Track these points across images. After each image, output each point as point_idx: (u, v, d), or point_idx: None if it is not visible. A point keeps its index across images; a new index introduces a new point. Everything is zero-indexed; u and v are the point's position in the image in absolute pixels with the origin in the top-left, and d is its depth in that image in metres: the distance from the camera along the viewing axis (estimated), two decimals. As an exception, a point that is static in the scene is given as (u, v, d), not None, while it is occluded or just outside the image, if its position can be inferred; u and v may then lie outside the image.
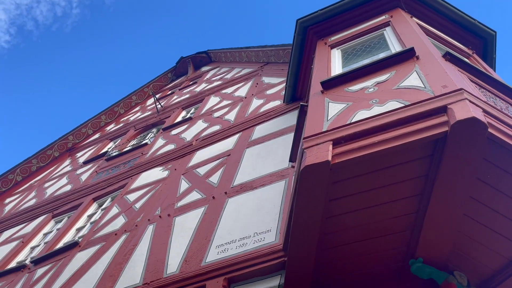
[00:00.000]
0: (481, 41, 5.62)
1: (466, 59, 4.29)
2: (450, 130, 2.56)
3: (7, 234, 7.73)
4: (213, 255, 3.93)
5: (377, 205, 2.97)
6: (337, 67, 4.65)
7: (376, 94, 3.33)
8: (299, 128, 4.28)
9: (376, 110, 3.08)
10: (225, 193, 4.92)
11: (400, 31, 4.52)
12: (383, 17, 5.24)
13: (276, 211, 4.07)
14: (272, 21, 34.50)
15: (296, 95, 6.48)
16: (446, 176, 2.70)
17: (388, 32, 4.86)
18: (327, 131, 3.09)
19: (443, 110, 2.72)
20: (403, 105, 2.96)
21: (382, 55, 4.49)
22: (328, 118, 3.29)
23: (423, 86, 3.11)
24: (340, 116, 3.24)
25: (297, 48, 6.08)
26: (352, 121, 3.06)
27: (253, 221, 4.12)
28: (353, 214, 3.03)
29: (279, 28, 34.07)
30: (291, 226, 3.10)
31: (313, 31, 5.79)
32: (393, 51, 4.22)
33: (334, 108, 3.42)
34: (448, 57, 3.64)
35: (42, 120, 33.06)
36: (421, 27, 4.88)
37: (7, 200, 9.66)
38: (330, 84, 3.87)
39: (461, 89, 2.80)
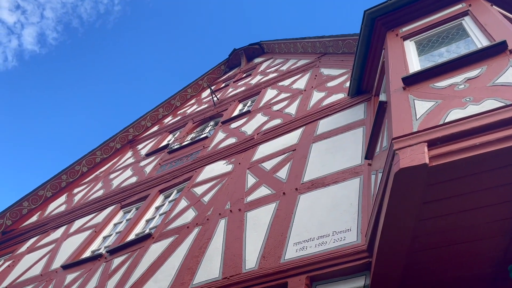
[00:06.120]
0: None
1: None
2: None
3: (78, 223, 8.18)
4: (292, 253, 3.96)
5: (473, 209, 2.87)
6: (414, 60, 4.48)
7: (468, 91, 3.19)
8: (377, 125, 4.19)
9: (472, 109, 2.95)
10: (296, 189, 4.93)
11: (483, 21, 4.28)
12: (460, 5, 4.97)
13: (354, 210, 4.03)
14: (323, 12, 34.00)
15: (362, 88, 6.34)
16: (555, 181, 2.56)
17: (467, 22, 4.62)
18: (419, 131, 3.00)
19: (552, 110, 2.56)
20: (503, 104, 2.82)
21: (465, 46, 4.29)
22: (417, 117, 3.19)
23: (523, 83, 2.95)
24: (430, 115, 3.13)
25: (364, 40, 5.92)
26: (446, 121, 2.95)
27: (330, 219, 4.10)
28: (447, 217, 2.94)
29: (328, 19, 33.53)
30: (381, 228, 3.05)
31: (381, 22, 5.61)
32: (478, 44, 4.01)
33: (422, 106, 3.31)
34: (545, 51, 3.42)
35: (97, 116, 34.57)
36: (505, 16, 4.60)
37: (76, 190, 10.20)
38: (413, 79, 3.74)
39: None
